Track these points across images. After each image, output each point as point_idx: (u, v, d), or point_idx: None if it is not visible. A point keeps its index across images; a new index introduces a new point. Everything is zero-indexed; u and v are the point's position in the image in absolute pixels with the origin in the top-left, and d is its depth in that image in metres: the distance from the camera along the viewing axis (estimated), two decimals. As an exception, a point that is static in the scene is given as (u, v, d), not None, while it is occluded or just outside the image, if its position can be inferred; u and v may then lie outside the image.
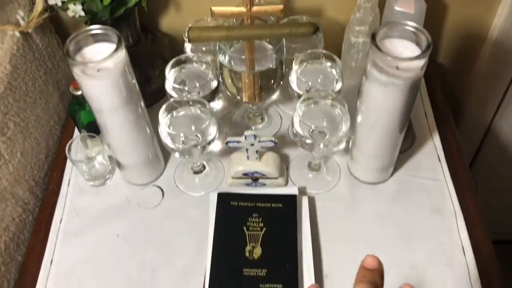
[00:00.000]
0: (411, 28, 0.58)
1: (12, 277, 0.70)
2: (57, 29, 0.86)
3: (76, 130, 0.83)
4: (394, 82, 0.58)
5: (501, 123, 1.08)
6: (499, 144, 1.12)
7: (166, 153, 0.79)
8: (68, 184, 0.78)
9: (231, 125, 0.84)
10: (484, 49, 0.94)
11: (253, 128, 0.84)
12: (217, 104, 0.86)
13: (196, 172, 0.77)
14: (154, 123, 0.71)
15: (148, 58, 0.83)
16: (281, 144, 0.79)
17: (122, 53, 0.60)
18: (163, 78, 0.75)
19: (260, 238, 0.66)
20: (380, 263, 0.37)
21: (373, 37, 0.57)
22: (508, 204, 1.30)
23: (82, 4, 0.69)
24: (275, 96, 0.85)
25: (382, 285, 0.35)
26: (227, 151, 0.78)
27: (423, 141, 0.80)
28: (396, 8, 0.75)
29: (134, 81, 0.64)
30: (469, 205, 0.73)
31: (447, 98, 0.90)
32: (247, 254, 0.65)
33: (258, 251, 0.65)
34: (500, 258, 0.71)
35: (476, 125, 1.09)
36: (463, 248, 0.68)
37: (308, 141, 0.66)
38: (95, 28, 0.60)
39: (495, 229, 1.35)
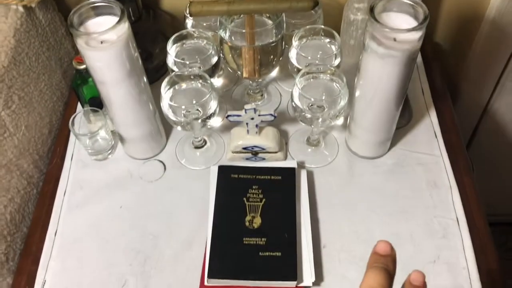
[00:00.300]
0: (408, 1, 0.60)
1: (18, 248, 0.71)
2: (59, 7, 0.87)
3: (79, 106, 0.85)
4: (392, 54, 0.59)
5: (498, 104, 1.09)
6: (495, 124, 1.14)
7: (168, 128, 0.80)
8: (71, 158, 0.79)
9: (231, 102, 0.86)
10: (481, 29, 0.95)
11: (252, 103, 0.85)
12: (218, 82, 0.87)
13: (197, 147, 0.79)
14: (156, 100, 0.72)
15: (150, 35, 0.84)
16: (280, 120, 0.81)
17: (125, 26, 0.61)
18: (164, 55, 0.77)
19: (260, 209, 0.68)
20: (392, 249, 0.37)
21: (371, 10, 0.58)
22: (504, 185, 1.31)
23: (85, -21, 0.69)
24: (274, 72, 0.86)
25: (395, 270, 0.36)
26: (228, 127, 0.80)
27: (420, 117, 0.82)
28: (395, -15, 0.76)
29: (137, 54, 0.65)
30: (464, 179, 0.75)
31: (445, 78, 0.92)
32: (247, 223, 0.66)
33: (257, 221, 0.67)
34: (496, 240, 0.72)
35: (473, 106, 1.11)
36: (457, 220, 0.70)
37: (307, 114, 0.68)
38: (99, 1, 0.61)
39: (491, 211, 1.37)
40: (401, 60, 0.60)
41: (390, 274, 0.35)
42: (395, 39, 0.58)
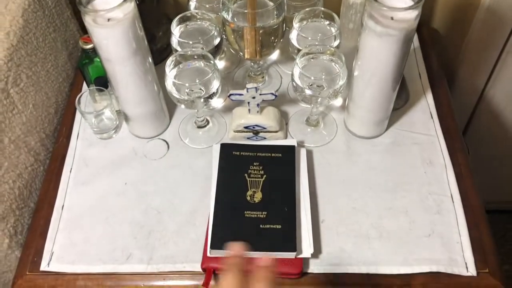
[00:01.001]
0: (406, -18, 0.62)
1: (25, 222, 0.73)
2: (64, -10, 0.89)
3: (84, 87, 0.87)
4: (389, 33, 0.61)
5: (494, 91, 1.11)
6: (491, 111, 1.16)
7: (171, 108, 0.82)
8: (77, 137, 0.81)
9: (232, 83, 0.88)
10: (477, 16, 0.97)
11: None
12: (220, 64, 0.89)
13: (200, 127, 0.81)
14: (160, 81, 0.74)
15: (153, 17, 0.85)
16: (280, 102, 0.83)
17: (131, 5, 0.63)
18: (167, 37, 0.78)
19: (261, 184, 0.70)
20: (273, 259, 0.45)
21: (370, -11, 0.60)
22: (499, 172, 1.34)
23: (91, -39, 0.71)
24: (275, 55, 0.88)
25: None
26: (230, 108, 0.82)
27: (417, 99, 0.84)
28: (393, -31, 0.78)
29: (143, 34, 0.67)
30: (459, 159, 0.77)
31: (441, 64, 0.94)
32: (248, 198, 0.69)
33: (258, 196, 0.69)
34: (493, 228, 0.74)
35: (469, 92, 1.13)
36: (452, 197, 0.72)
37: (308, 92, 0.70)
38: (106, -20, 0.63)
39: (485, 198, 1.40)
40: (398, 38, 0.62)
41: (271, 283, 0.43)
42: (392, 18, 0.60)
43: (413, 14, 0.60)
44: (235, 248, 0.46)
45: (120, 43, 0.64)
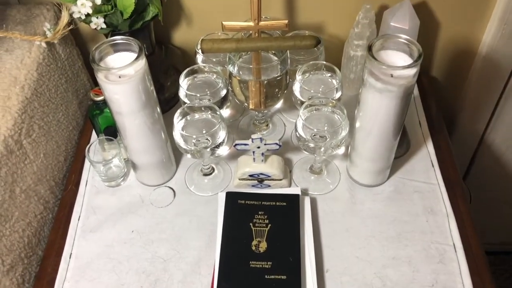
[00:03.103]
0: (404, 41, 0.65)
1: (33, 270, 0.74)
2: (77, 41, 0.92)
3: (93, 136, 0.89)
4: (389, 89, 0.64)
5: (493, 135, 1.13)
6: (491, 155, 1.18)
7: (177, 156, 0.84)
8: (86, 184, 0.83)
9: (238, 131, 0.90)
10: (474, 64, 1.01)
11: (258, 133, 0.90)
12: (225, 112, 0.92)
13: (205, 174, 0.83)
14: (168, 129, 0.77)
15: (162, 68, 0.89)
16: (284, 149, 0.85)
17: (143, 61, 0.66)
18: (175, 87, 0.82)
19: (266, 234, 0.71)
20: None
21: (370, 48, 0.63)
22: (501, 215, 1.34)
23: (104, 17, 0.75)
24: (279, 104, 0.91)
25: None
26: (235, 156, 0.84)
27: (418, 148, 0.86)
28: (392, 24, 0.81)
29: (152, 88, 0.70)
30: (460, 207, 0.78)
31: (441, 110, 0.96)
32: (253, 248, 0.70)
33: (263, 246, 0.70)
34: (493, 269, 0.75)
35: (469, 137, 1.15)
36: (454, 246, 0.73)
37: (311, 144, 0.72)
38: (119, 38, 0.66)
39: (487, 239, 1.40)
40: (398, 94, 0.64)
41: None
42: (392, 75, 0.63)
43: (412, 72, 0.63)
44: None
45: (131, 97, 0.67)
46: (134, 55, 0.66)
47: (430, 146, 0.86)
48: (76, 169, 0.86)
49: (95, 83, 0.87)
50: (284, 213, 0.74)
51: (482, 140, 1.16)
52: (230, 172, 0.84)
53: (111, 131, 0.80)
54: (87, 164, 0.86)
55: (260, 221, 0.72)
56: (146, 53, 0.86)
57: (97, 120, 0.81)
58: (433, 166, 0.83)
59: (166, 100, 0.90)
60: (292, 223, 0.72)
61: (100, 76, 0.65)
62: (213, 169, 0.84)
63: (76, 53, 0.91)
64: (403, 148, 0.84)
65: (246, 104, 0.81)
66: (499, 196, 1.28)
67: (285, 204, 0.75)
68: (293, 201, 0.75)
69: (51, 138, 0.81)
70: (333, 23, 0.94)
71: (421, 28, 0.82)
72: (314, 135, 0.72)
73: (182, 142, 0.73)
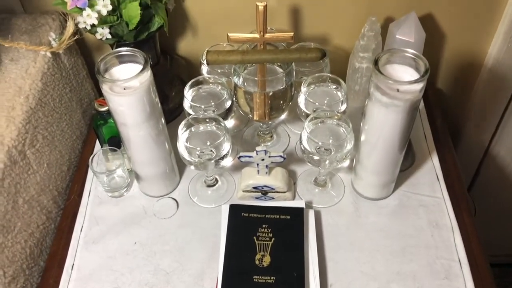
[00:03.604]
0: (410, 55, 0.64)
1: (34, 281, 0.74)
2: (81, 50, 0.92)
3: (96, 145, 0.89)
4: (395, 104, 0.63)
5: (498, 147, 1.13)
6: (496, 166, 1.17)
7: (181, 167, 0.84)
8: (89, 195, 0.83)
9: (242, 142, 0.90)
10: (480, 76, 1.00)
11: (262, 145, 0.89)
12: (229, 123, 0.91)
13: (209, 186, 0.82)
14: (171, 139, 0.76)
15: (167, 78, 0.89)
16: (289, 161, 0.84)
17: (148, 73, 0.66)
18: (179, 97, 0.81)
19: (269, 248, 0.71)
20: None
21: (376, 62, 0.63)
22: (506, 226, 1.33)
23: (110, 28, 0.75)
24: (283, 116, 0.90)
25: None
26: (238, 167, 0.84)
27: (423, 161, 0.86)
28: (398, 36, 0.81)
29: (157, 99, 0.70)
30: (465, 221, 0.77)
31: (446, 122, 0.96)
32: (257, 262, 0.69)
33: (267, 260, 0.69)
34: (498, 281, 0.74)
35: (474, 148, 1.14)
36: (460, 262, 0.72)
37: (315, 157, 0.71)
38: (124, 50, 0.66)
39: (493, 251, 1.39)
40: (404, 109, 0.64)
41: None
42: (398, 90, 0.63)
43: (418, 87, 0.62)
44: None
45: (136, 109, 0.67)
46: (139, 67, 0.66)
47: (435, 159, 0.86)
48: (79, 178, 0.85)
49: (99, 92, 0.87)
50: (288, 227, 0.73)
51: (487, 151, 1.15)
52: (234, 183, 0.83)
53: (115, 142, 0.80)
54: (90, 174, 0.85)
55: (264, 234, 0.72)
56: (151, 63, 0.86)
57: (101, 130, 0.80)
58: (438, 179, 0.83)
59: (170, 110, 0.90)
60: (296, 236, 0.72)
61: (105, 88, 0.65)
62: (216, 180, 0.83)
63: (81, 63, 0.91)
64: (408, 161, 0.84)
65: (250, 115, 0.80)
66: (504, 207, 1.27)
67: (289, 217, 0.74)
68: (297, 215, 0.74)
69: (54, 148, 0.81)
70: (338, 35, 0.94)
71: (427, 40, 0.81)
72: (319, 148, 0.72)
73: (186, 154, 0.72)
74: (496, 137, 1.11)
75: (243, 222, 0.74)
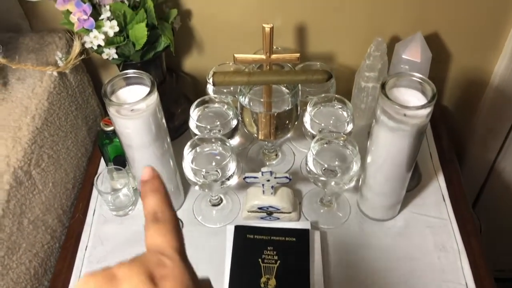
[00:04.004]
0: (417, 79, 0.64)
1: (39, 301, 0.74)
2: (87, 68, 0.92)
3: (102, 162, 0.89)
4: (402, 128, 0.63)
5: (504, 164, 1.12)
6: (502, 183, 1.16)
7: (186, 186, 0.84)
8: (94, 213, 0.83)
9: (247, 160, 0.90)
10: (486, 94, 1.00)
11: (267, 164, 0.89)
12: (234, 140, 0.91)
13: (214, 205, 0.82)
14: (176, 157, 0.76)
15: (173, 96, 0.89)
16: (294, 180, 0.84)
17: (154, 96, 0.66)
18: (185, 115, 0.81)
19: (275, 271, 0.70)
20: (153, 170, 0.38)
21: (383, 86, 0.63)
22: (511, 242, 1.32)
23: (116, 48, 0.75)
24: (289, 134, 0.90)
25: (164, 187, 0.37)
26: (244, 185, 0.83)
27: (429, 181, 0.85)
28: (404, 56, 0.81)
29: (163, 120, 0.70)
30: (472, 243, 0.77)
31: (452, 139, 0.95)
32: (262, 285, 0.69)
33: (272, 283, 0.69)
34: None
35: (480, 165, 1.14)
36: (466, 285, 0.72)
37: (321, 178, 0.71)
38: (131, 73, 0.66)
39: (498, 267, 1.38)
40: (411, 133, 0.64)
41: (160, 192, 0.36)
42: (405, 115, 0.62)
43: (425, 112, 0.62)
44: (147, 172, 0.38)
45: (142, 131, 0.67)
46: (146, 89, 0.66)
47: (441, 180, 0.85)
48: (84, 197, 0.85)
49: (105, 109, 0.87)
50: (294, 249, 0.73)
51: (493, 167, 1.14)
52: (239, 202, 0.83)
53: (121, 161, 0.80)
54: (95, 191, 0.85)
55: (269, 257, 0.72)
56: (157, 81, 0.86)
57: (106, 149, 0.80)
58: (444, 200, 0.82)
59: (175, 127, 0.90)
60: (302, 259, 0.71)
61: (112, 111, 0.65)
62: (221, 199, 0.83)
63: (86, 80, 0.91)
64: (414, 181, 0.83)
65: (255, 135, 0.80)
66: (509, 223, 1.26)
67: (294, 239, 0.74)
68: (303, 236, 0.74)
69: (60, 167, 0.81)
70: (344, 53, 0.94)
71: (433, 59, 0.81)
72: (325, 169, 0.72)
73: (191, 175, 0.72)
74: (502, 153, 1.10)
75: (248, 244, 0.73)
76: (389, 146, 0.67)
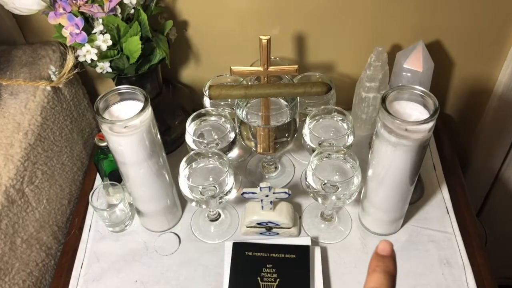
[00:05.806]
0: (419, 92, 0.62)
1: (33, 321, 0.72)
2: (82, 80, 0.91)
3: (97, 176, 0.87)
4: (403, 143, 0.61)
5: (509, 173, 1.10)
6: (506, 192, 1.14)
7: (183, 201, 0.82)
8: (89, 230, 0.81)
9: (245, 173, 0.88)
10: (490, 102, 0.98)
11: (266, 176, 0.87)
12: (233, 153, 0.89)
13: (212, 220, 0.80)
14: (173, 170, 0.74)
15: (169, 108, 0.87)
16: (294, 193, 0.82)
17: (148, 112, 0.64)
18: (182, 127, 0.79)
19: (274, 289, 0.68)
20: (392, 249, 0.37)
21: (383, 100, 0.61)
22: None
23: (110, 62, 0.73)
24: (288, 147, 0.88)
25: (395, 270, 0.36)
26: (242, 199, 0.81)
27: (432, 193, 0.83)
28: (405, 66, 0.78)
29: (158, 136, 0.68)
30: (477, 258, 0.75)
31: (455, 149, 0.93)
32: (261, 304, 0.67)
33: (271, 301, 0.67)
34: None
35: (484, 174, 1.12)
36: (472, 301, 0.70)
37: (321, 193, 0.69)
38: (124, 88, 0.65)
39: (502, 274, 1.36)
40: (412, 148, 0.62)
41: (391, 275, 0.35)
42: (406, 129, 0.60)
43: (427, 126, 0.60)
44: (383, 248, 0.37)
45: (136, 148, 0.65)
46: (140, 104, 0.64)
47: (445, 192, 0.83)
48: (80, 212, 0.84)
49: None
50: (294, 266, 0.71)
51: (498, 176, 1.12)
52: (237, 217, 0.81)
53: (116, 176, 0.78)
54: (91, 207, 0.84)
55: (268, 275, 0.70)
56: (153, 94, 0.85)
57: (101, 164, 0.79)
58: (448, 213, 0.80)
59: (172, 140, 0.88)
60: (302, 277, 0.69)
61: (105, 128, 0.63)
62: (219, 214, 0.81)
63: (82, 92, 0.89)
64: (417, 193, 0.81)
65: (254, 148, 0.78)
66: (514, 232, 1.24)
67: (294, 256, 0.72)
68: (303, 253, 0.72)
69: (54, 182, 0.79)
70: (343, 63, 0.92)
71: (435, 67, 0.79)
72: (325, 184, 0.70)
73: (188, 191, 0.70)
74: (507, 162, 1.08)
75: (247, 262, 0.71)
76: (390, 161, 0.65)
